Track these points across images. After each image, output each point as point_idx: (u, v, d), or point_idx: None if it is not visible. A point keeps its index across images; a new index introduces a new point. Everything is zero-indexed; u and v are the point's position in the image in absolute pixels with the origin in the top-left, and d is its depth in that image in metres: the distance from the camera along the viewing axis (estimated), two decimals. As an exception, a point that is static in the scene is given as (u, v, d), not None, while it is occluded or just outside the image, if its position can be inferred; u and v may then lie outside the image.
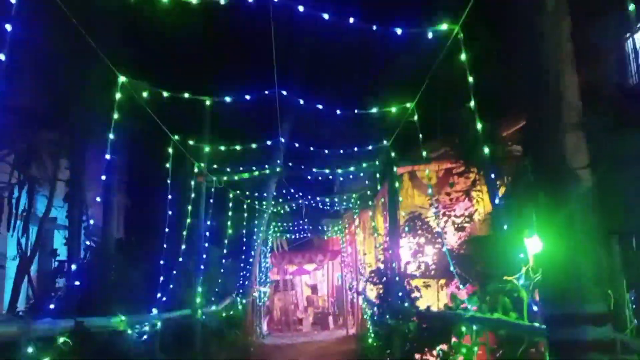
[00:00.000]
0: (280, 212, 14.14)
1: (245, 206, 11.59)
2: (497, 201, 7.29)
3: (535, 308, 3.30)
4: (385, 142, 7.66)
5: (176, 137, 6.55)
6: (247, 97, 5.63)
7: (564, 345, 2.70)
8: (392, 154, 7.45)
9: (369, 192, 10.74)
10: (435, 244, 9.73)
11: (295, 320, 22.49)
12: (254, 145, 7.11)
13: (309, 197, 11.91)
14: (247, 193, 10.82)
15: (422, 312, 5.29)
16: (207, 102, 5.67)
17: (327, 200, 12.83)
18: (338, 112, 5.83)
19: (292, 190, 11.00)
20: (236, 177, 8.70)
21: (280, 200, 12.47)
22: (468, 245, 8.59)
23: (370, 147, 7.40)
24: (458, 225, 9.70)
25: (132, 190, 11.09)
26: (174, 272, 7.02)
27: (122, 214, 11.96)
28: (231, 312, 11.27)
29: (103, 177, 5.62)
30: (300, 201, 12.73)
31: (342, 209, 15.34)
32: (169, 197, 6.63)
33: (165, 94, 5.37)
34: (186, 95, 5.59)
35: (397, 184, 10.39)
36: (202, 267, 8.23)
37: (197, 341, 8.30)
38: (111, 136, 4.85)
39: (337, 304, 23.38)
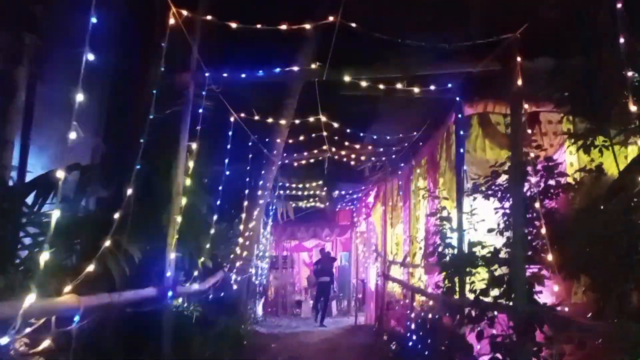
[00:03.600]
0: (293, 164, 10.48)
1: (250, 143, 7.97)
2: None
3: None
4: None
5: None
6: None
7: None
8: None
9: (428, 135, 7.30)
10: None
11: (292, 303, 19.63)
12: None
13: (343, 135, 8.09)
14: (256, 117, 7.05)
15: None
16: None
17: (357, 149, 9.14)
18: None
19: (323, 119, 7.19)
20: (243, 75, 5.26)
21: (300, 137, 8.45)
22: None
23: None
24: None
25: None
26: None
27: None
28: (222, 294, 7.89)
29: None
30: (324, 147, 8.99)
31: (369, 168, 11.87)
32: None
33: None
34: None
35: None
36: (179, 217, 4.76)
37: (166, 342, 4.92)
38: None
39: (341, 287, 20.47)
